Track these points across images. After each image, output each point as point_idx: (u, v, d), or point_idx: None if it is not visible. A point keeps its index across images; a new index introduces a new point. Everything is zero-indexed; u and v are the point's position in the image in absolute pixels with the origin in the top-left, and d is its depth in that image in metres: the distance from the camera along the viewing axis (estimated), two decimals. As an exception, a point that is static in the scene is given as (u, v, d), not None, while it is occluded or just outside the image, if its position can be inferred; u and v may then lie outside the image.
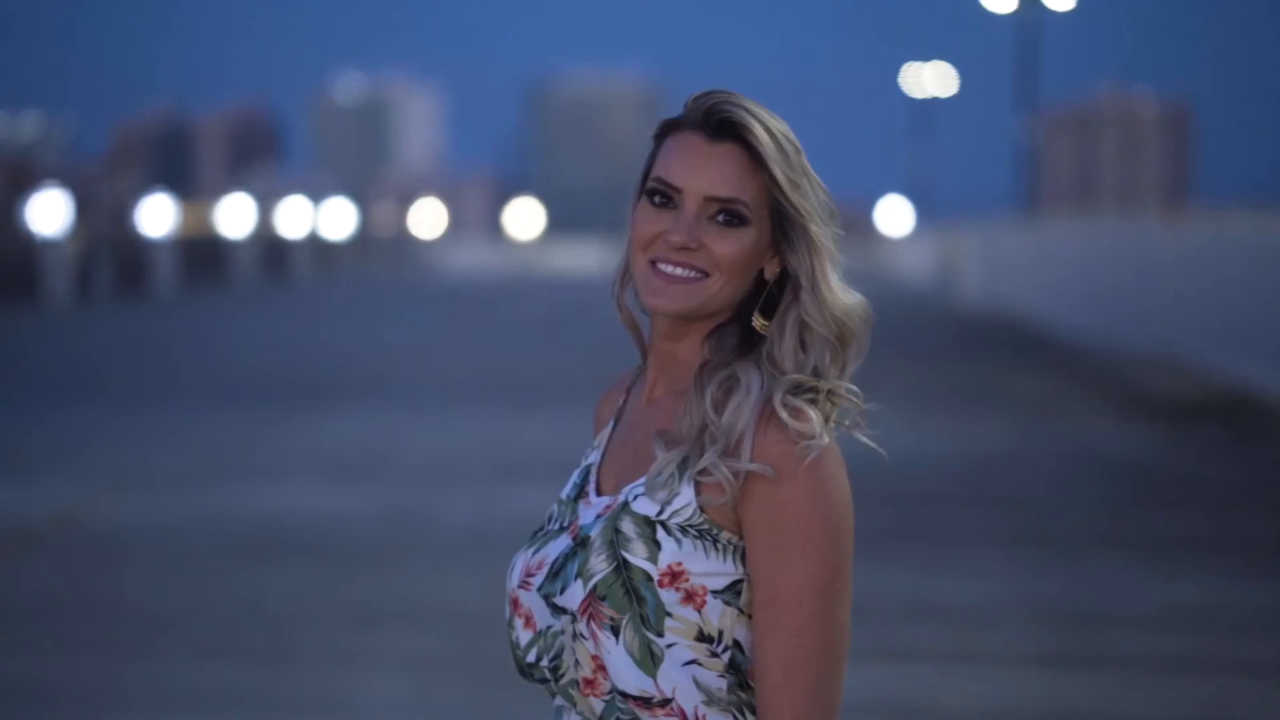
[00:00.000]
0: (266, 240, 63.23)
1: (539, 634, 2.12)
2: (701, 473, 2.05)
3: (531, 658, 2.13)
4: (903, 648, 7.41)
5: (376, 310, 39.38)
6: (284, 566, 9.30)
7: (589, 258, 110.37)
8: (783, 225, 2.12)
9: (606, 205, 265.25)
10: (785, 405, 2.05)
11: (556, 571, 2.12)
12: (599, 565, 2.07)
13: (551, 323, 33.83)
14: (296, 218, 69.16)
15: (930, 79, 63.08)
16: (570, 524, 2.17)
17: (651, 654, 2.05)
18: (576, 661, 2.09)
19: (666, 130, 2.16)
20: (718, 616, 2.05)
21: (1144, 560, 9.45)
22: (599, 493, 2.18)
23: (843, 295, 2.12)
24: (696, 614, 2.04)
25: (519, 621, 2.15)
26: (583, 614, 2.07)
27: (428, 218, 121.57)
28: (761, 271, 2.15)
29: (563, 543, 2.15)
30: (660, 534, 2.06)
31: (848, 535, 2.03)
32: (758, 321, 2.17)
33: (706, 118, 2.10)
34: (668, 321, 2.16)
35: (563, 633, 2.10)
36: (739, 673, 2.07)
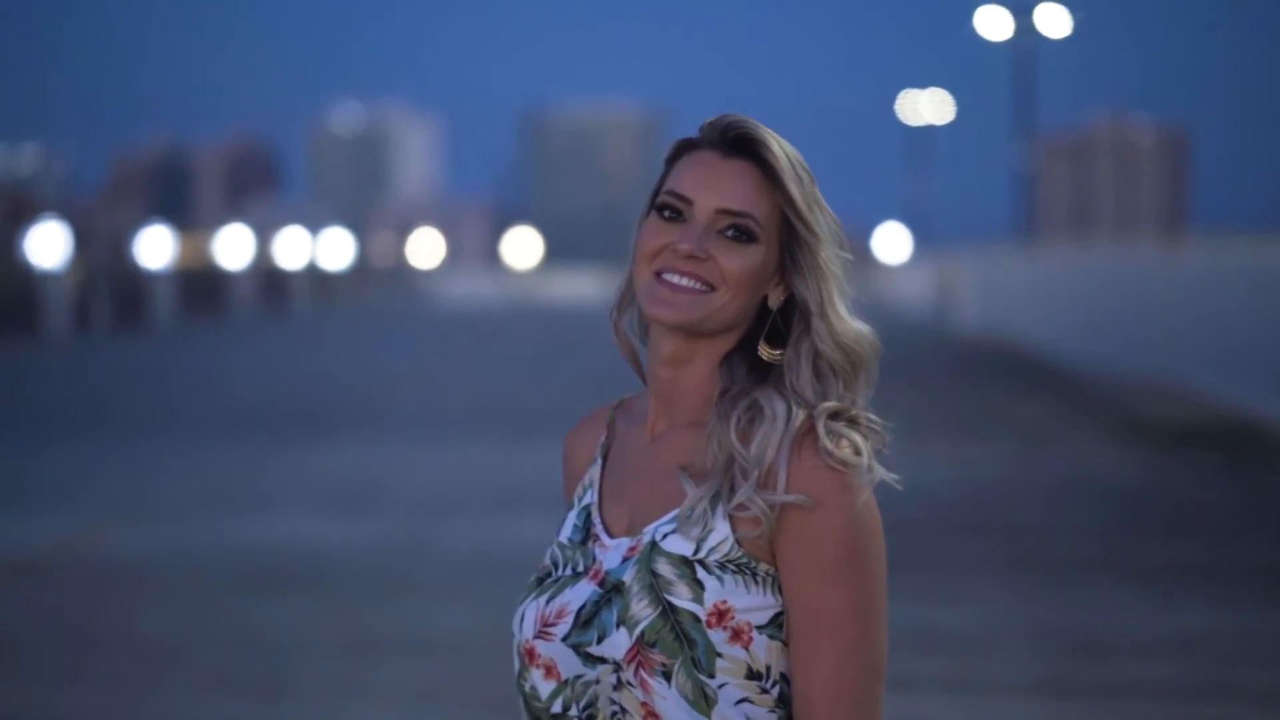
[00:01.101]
0: (265, 271, 63.28)
1: (565, 683, 2.05)
2: (738, 507, 2.02)
3: (557, 708, 2.06)
4: (903, 677, 7.41)
5: (375, 340, 39.38)
6: (283, 597, 9.29)
7: (586, 286, 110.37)
8: (792, 249, 2.09)
9: (603, 234, 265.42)
10: (830, 432, 2.03)
11: (587, 620, 2.05)
12: (643, 611, 2.02)
13: (550, 352, 33.85)
14: (294, 248, 69.22)
15: (927, 106, 63.22)
16: (588, 568, 2.09)
17: (705, 696, 2.01)
18: (621, 709, 2.03)
19: (679, 151, 2.14)
20: (764, 651, 2.03)
21: (1143, 587, 9.45)
22: (610, 534, 2.11)
23: (852, 323, 2.10)
24: (744, 651, 2.02)
25: (537, 673, 2.07)
26: (629, 662, 2.02)
27: (425, 247, 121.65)
28: (765, 299, 2.12)
29: (586, 589, 2.07)
30: (700, 573, 2.02)
31: (882, 558, 2.03)
32: (765, 351, 2.12)
33: (723, 135, 2.10)
34: (670, 344, 2.10)
35: (596, 682, 2.04)
36: (787, 706, 2.05)
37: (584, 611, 2.05)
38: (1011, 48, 42.56)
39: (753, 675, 2.03)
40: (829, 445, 2.03)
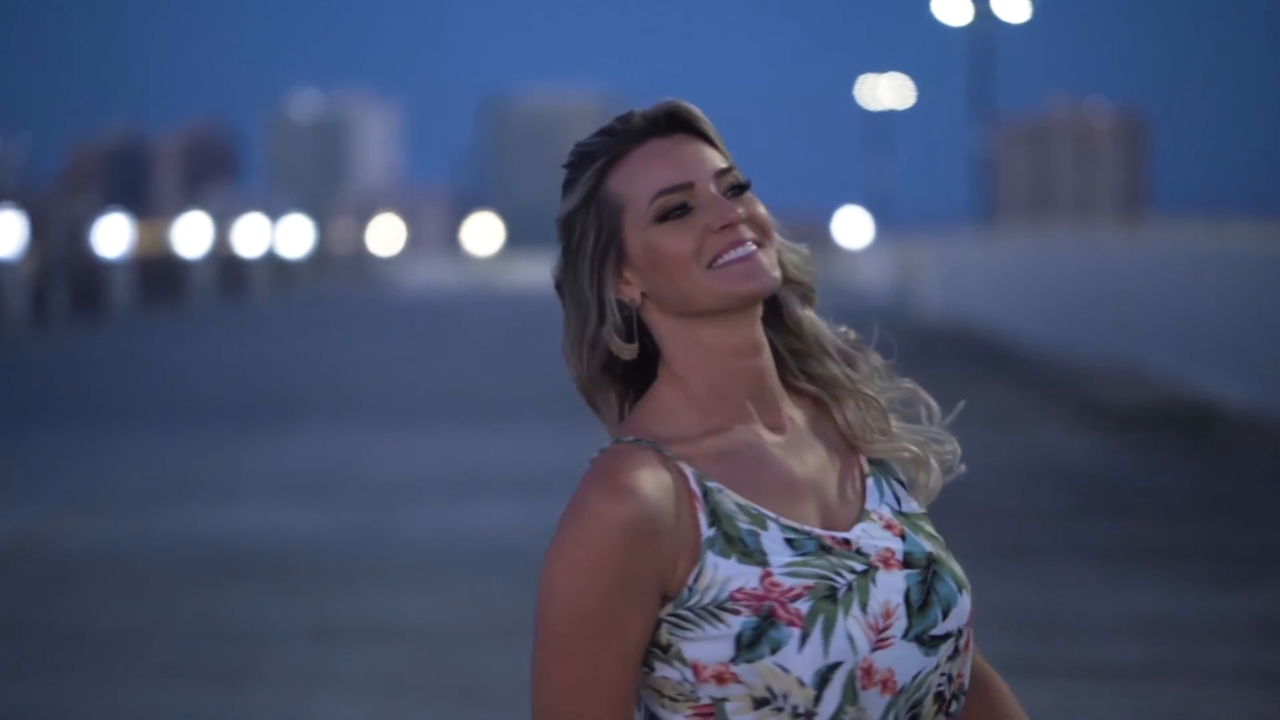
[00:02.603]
0: (224, 259, 63.02)
1: (900, 694, 1.87)
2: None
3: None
4: (866, 660, 7.41)
5: (335, 329, 39.25)
6: (245, 586, 9.25)
7: (548, 272, 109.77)
8: None
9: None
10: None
11: (923, 605, 1.90)
12: (959, 569, 1.98)
13: (511, 339, 33.80)
14: (254, 236, 68.96)
15: (886, 91, 63.31)
16: (872, 564, 1.91)
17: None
18: (949, 680, 1.91)
19: (605, 171, 1.94)
20: None
21: (1105, 570, 9.48)
22: (837, 529, 1.94)
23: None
24: None
25: (871, 694, 1.86)
26: (969, 624, 1.95)
27: (386, 234, 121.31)
28: None
29: (897, 579, 1.91)
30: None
31: None
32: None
33: (654, 123, 1.95)
34: (746, 327, 1.93)
35: (932, 670, 1.89)
36: None
37: (914, 597, 1.90)
38: (970, 32, 42.67)
39: None
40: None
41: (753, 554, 1.86)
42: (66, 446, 15.85)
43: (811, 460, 1.95)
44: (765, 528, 1.88)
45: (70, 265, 46.29)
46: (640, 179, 1.94)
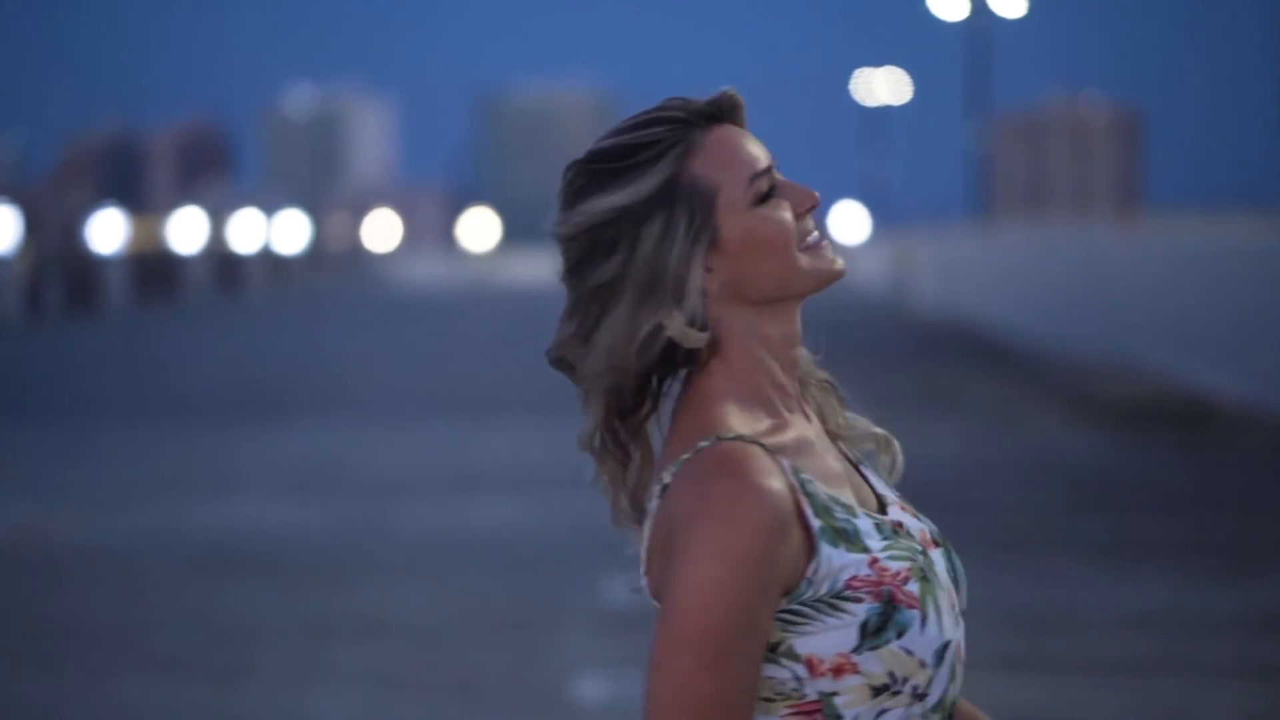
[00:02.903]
0: (218, 255, 62.97)
1: (963, 665, 1.93)
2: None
3: (953, 694, 1.91)
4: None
5: (331, 325, 39.24)
6: (239, 582, 9.24)
7: (544, 268, 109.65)
8: None
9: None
10: None
11: (956, 580, 1.95)
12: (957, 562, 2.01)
13: (506, 336, 33.79)
14: (249, 231, 68.91)
15: (882, 85, 63.31)
16: (921, 536, 1.94)
17: None
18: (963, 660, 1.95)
19: (683, 160, 1.92)
20: None
21: (1100, 564, 9.48)
22: (883, 509, 1.96)
23: None
24: None
25: (961, 666, 1.91)
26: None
27: (382, 230, 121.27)
28: None
29: (939, 555, 1.94)
30: None
31: None
32: None
33: (717, 109, 1.95)
34: (792, 318, 1.95)
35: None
36: None
37: (956, 574, 1.95)
38: (966, 27, 42.66)
39: None
40: None
41: (855, 542, 1.87)
42: (61, 442, 15.83)
43: (831, 448, 1.97)
44: (855, 515, 1.89)
45: (64, 261, 46.25)
46: (731, 164, 1.91)
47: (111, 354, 29.14)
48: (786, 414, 1.93)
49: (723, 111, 1.94)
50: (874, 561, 1.86)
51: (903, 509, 1.96)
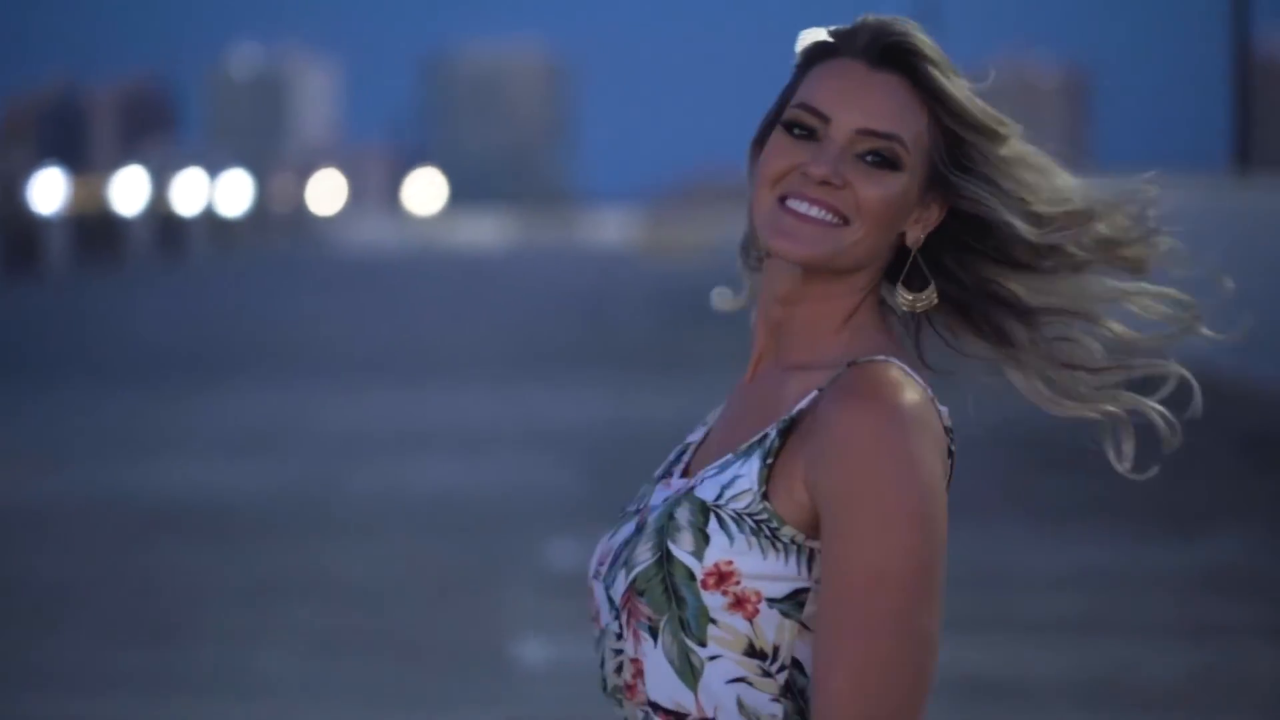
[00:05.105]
0: (161, 216, 62.50)
1: (602, 632, 1.84)
2: None
3: (599, 659, 1.84)
4: (807, 614, 7.42)
5: (276, 287, 39.04)
6: (182, 543, 9.19)
7: (492, 231, 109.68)
8: (954, 168, 1.82)
9: (510, 176, 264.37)
10: None
11: (614, 560, 1.83)
12: (643, 555, 1.79)
13: (453, 299, 33.68)
14: (192, 192, 68.44)
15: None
16: (640, 508, 1.86)
17: (691, 665, 1.76)
18: (620, 665, 1.81)
19: (814, 58, 1.85)
20: (773, 629, 1.77)
21: (1046, 524, 9.53)
22: (684, 474, 1.86)
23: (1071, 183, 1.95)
24: (747, 623, 1.76)
25: (592, 617, 1.86)
26: (623, 608, 1.80)
27: (327, 191, 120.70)
28: (902, 236, 1.83)
29: (628, 528, 1.84)
30: (713, 524, 1.80)
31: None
32: (905, 298, 1.87)
33: (871, 43, 1.82)
34: (788, 282, 1.82)
35: (606, 635, 1.83)
36: (795, 697, 1.77)
37: (619, 551, 1.83)
38: (913, -12, 42.67)
39: (754, 653, 1.76)
40: None
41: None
42: (3, 402, 15.69)
43: (741, 413, 1.87)
44: (685, 438, 1.94)
45: (5, 222, 45.81)
46: (812, 84, 1.83)
47: (53, 315, 28.91)
48: (755, 349, 1.88)
49: (871, 53, 1.81)
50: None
51: (672, 488, 1.83)
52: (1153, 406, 1.94)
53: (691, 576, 1.76)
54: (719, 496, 1.78)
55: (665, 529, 1.78)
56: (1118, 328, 1.96)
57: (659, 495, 1.84)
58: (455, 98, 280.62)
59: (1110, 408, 1.93)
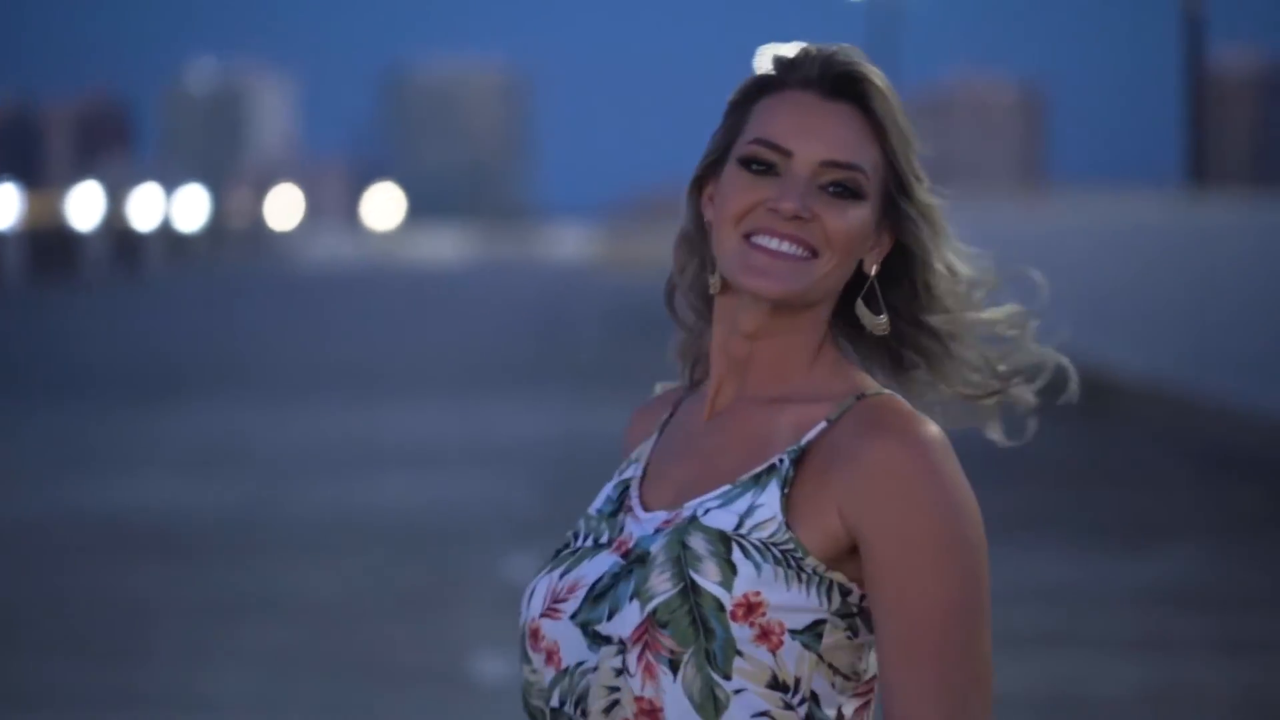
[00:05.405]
0: (117, 231, 62.18)
1: (564, 673, 1.78)
2: None
3: (555, 701, 1.79)
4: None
5: (231, 303, 38.90)
6: (137, 560, 9.13)
7: (450, 247, 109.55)
8: (898, 201, 1.84)
9: (469, 191, 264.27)
10: None
11: (601, 594, 1.78)
12: (661, 585, 1.75)
13: (409, 315, 33.63)
14: (148, 207, 68.13)
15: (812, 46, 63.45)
16: (613, 540, 1.82)
17: (715, 699, 1.75)
18: (616, 703, 1.76)
19: (755, 92, 1.85)
20: (795, 661, 1.77)
21: (998, 538, 9.52)
22: (646, 508, 1.84)
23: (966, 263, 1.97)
24: (771, 655, 1.76)
25: (539, 658, 1.80)
26: (636, 642, 1.75)
27: (284, 206, 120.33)
28: (858, 264, 1.85)
29: (606, 561, 1.80)
30: (736, 553, 1.79)
31: None
32: (873, 322, 1.85)
33: (823, 73, 1.83)
34: (756, 318, 1.82)
35: (594, 670, 1.77)
36: None
37: (599, 585, 1.79)
38: (872, 4, 42.86)
39: (777, 685, 1.75)
40: None
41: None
42: (-46, 420, 15.58)
43: (711, 447, 1.85)
44: (617, 477, 1.91)
45: (-41, 237, 45.47)
46: (764, 119, 1.83)
47: (7, 331, 28.72)
48: (712, 383, 1.86)
49: (824, 83, 1.83)
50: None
51: (668, 521, 1.80)
52: (1034, 387, 2.04)
53: (720, 607, 1.74)
54: (739, 526, 1.76)
55: (683, 558, 1.75)
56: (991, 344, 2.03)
57: (637, 527, 1.82)
58: (413, 113, 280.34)
59: (999, 388, 2.00)
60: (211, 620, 7.82)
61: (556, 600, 1.80)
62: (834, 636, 1.77)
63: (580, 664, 1.78)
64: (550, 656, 1.79)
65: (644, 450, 1.90)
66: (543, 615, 1.80)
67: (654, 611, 1.74)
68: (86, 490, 11.49)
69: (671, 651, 1.74)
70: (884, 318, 1.87)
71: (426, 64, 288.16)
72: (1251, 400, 15.04)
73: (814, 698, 1.77)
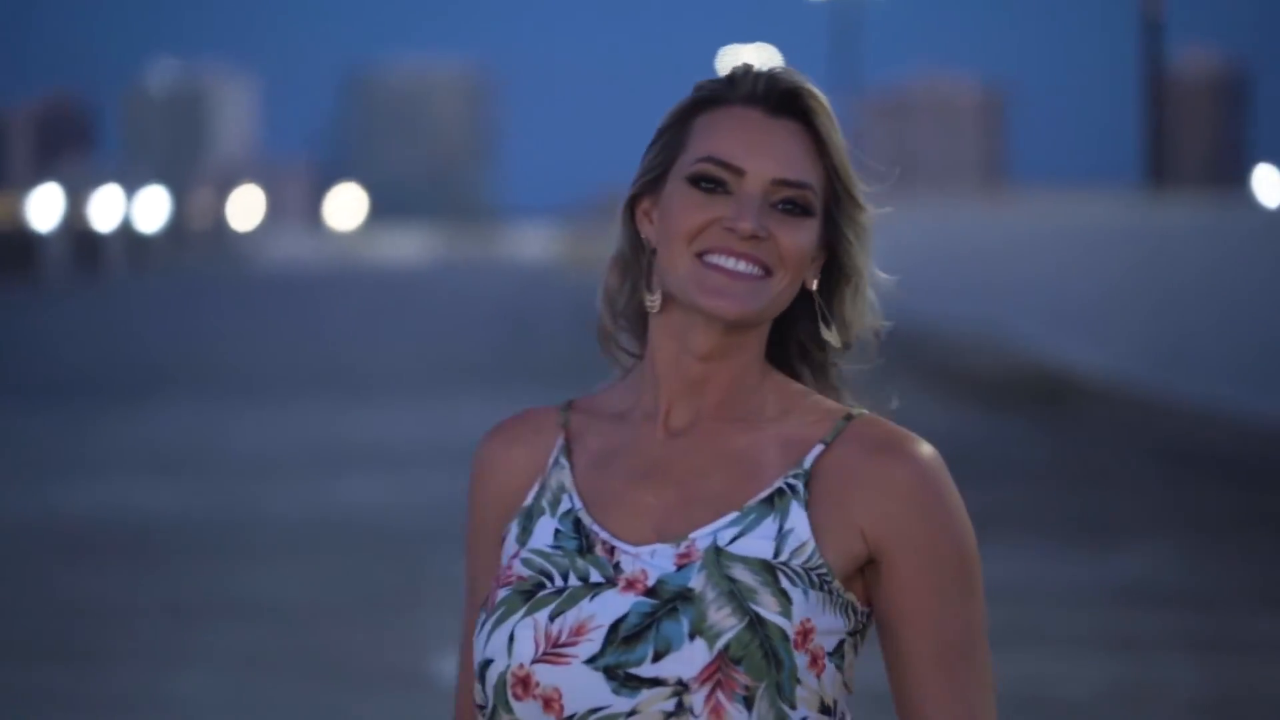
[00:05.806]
0: (77, 233, 61.87)
1: (571, 719, 1.73)
2: None
3: None
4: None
5: (194, 305, 38.75)
6: (103, 563, 9.12)
7: (413, 247, 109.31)
8: (839, 219, 1.84)
9: (431, 192, 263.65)
10: None
11: (633, 636, 1.72)
12: (725, 621, 1.72)
13: (374, 316, 33.56)
14: (109, 209, 67.80)
15: (751, 61, 63.51)
16: (610, 578, 1.75)
17: None
18: None
19: (694, 109, 1.84)
20: (832, 683, 1.81)
21: (963, 537, 9.60)
22: (628, 541, 1.77)
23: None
24: (817, 680, 1.78)
25: (529, 706, 1.73)
26: (704, 681, 1.71)
27: (246, 207, 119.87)
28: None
29: (622, 601, 1.73)
30: (784, 582, 1.78)
31: None
32: (832, 336, 1.88)
33: (768, 90, 1.83)
34: (711, 338, 1.80)
35: (629, 714, 1.71)
36: None
37: (625, 626, 1.72)
38: (834, 4, 42.96)
39: (824, 709, 1.78)
40: None
41: (525, 527, 1.83)
42: (-84, 424, 15.50)
43: (686, 470, 1.81)
44: (550, 512, 1.82)
45: (-81, 239, 45.20)
46: (709, 136, 1.82)
47: (-31, 333, 28.55)
48: (645, 405, 1.82)
49: (770, 100, 1.82)
50: (509, 562, 1.79)
51: (685, 555, 1.75)
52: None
53: (785, 637, 1.75)
54: (777, 553, 1.76)
55: (737, 591, 1.74)
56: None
57: (644, 562, 1.76)
58: (376, 113, 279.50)
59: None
60: (178, 622, 7.82)
61: (557, 645, 1.73)
62: (849, 655, 1.82)
63: (596, 710, 1.72)
64: (548, 704, 1.73)
65: (563, 480, 1.83)
66: (537, 661, 1.73)
67: (726, 648, 1.72)
68: (50, 494, 11.46)
69: (746, 688, 1.73)
70: (834, 328, 1.89)
71: (388, 65, 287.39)
72: (1213, 398, 15.16)
73: (843, 717, 1.83)
